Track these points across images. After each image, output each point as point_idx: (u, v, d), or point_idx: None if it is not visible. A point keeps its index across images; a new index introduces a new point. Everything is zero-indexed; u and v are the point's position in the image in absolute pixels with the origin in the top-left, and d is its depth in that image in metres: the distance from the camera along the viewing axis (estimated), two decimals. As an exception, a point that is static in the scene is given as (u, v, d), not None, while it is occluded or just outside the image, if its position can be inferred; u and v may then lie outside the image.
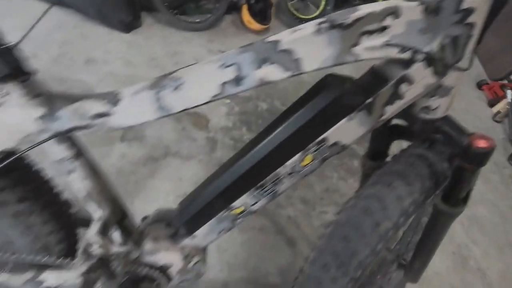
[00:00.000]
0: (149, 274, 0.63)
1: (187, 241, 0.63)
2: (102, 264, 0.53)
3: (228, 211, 0.57)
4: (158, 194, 1.16)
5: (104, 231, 0.54)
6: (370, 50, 0.38)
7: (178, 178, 1.22)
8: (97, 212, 0.55)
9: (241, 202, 0.56)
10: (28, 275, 0.58)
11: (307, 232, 1.21)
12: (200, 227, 0.61)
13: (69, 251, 0.64)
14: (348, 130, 0.45)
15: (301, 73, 0.38)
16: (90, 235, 0.52)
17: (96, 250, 0.51)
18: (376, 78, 0.43)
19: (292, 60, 0.37)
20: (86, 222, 0.69)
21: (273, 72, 0.38)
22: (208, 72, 0.39)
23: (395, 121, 0.61)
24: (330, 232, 0.57)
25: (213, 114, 1.52)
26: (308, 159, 0.49)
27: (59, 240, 0.60)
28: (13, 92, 0.38)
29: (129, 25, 1.82)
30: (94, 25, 1.77)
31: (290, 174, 0.51)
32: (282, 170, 0.50)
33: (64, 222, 0.60)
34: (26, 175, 0.52)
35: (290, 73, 0.38)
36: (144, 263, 0.63)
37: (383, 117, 0.44)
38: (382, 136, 0.62)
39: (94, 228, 0.53)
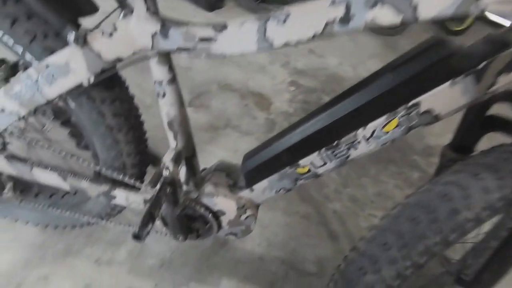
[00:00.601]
0: (203, 215, 0.66)
1: (245, 193, 0.65)
2: (168, 192, 0.56)
3: (293, 169, 0.57)
4: (213, 159, 1.20)
5: (176, 160, 0.58)
6: (500, 3, 0.34)
7: (234, 149, 1.25)
8: (174, 141, 0.58)
9: (308, 161, 0.55)
10: (104, 188, 0.64)
11: (352, 231, 1.16)
12: (260, 180, 0.62)
13: (140, 177, 0.69)
14: (447, 97, 0.42)
15: (415, 21, 0.37)
16: (165, 160, 0.56)
17: (167, 175, 0.55)
18: (492, 43, 0.40)
19: (408, 4, 0.36)
20: (155, 159, 0.74)
21: (385, 15, 0.37)
22: (317, 8, 0.39)
23: (493, 111, 0.56)
24: (397, 212, 0.54)
25: (277, 98, 1.54)
26: (392, 124, 0.47)
27: (135, 163, 0.65)
28: (139, 4, 0.43)
29: (213, 5, 1.91)
30: (182, 1, 1.90)
31: (368, 138, 0.49)
32: (361, 132, 0.49)
33: (142, 149, 0.66)
34: (123, 93, 0.58)
35: (402, 17, 0.36)
36: (201, 204, 0.66)
37: (493, 88, 0.40)
38: (473, 126, 0.57)
39: (170, 154, 0.57)
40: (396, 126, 0.47)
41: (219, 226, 0.70)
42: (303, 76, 1.71)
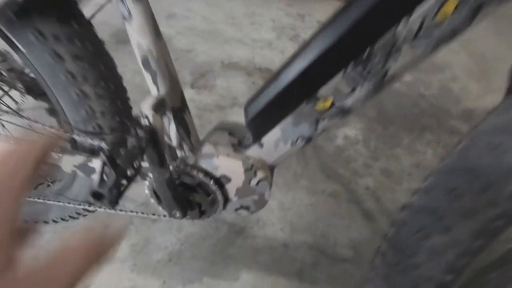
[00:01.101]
0: (203, 183, 0.53)
1: (253, 151, 0.51)
2: (147, 147, 0.43)
3: (310, 104, 0.43)
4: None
5: (157, 108, 0.44)
6: None
7: (244, 128, 1.12)
8: (153, 86, 0.45)
9: (331, 89, 0.41)
10: (78, 159, 0.52)
11: (389, 208, 0.99)
12: (270, 130, 0.47)
13: (124, 145, 0.57)
14: None
15: None
16: (143, 106, 0.43)
17: (146, 124, 0.42)
18: None
19: None
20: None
21: None
22: None
23: None
24: (463, 147, 0.38)
25: (287, 73, 1.39)
26: (449, 5, 0.32)
27: (114, 127, 0.53)
28: None
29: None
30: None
31: (414, 37, 0.34)
32: (402, 29, 0.34)
33: (122, 110, 0.54)
34: (86, 32, 0.46)
35: None
36: (200, 168, 0.52)
37: None
38: None
39: (148, 101, 0.44)
40: (455, 8, 0.32)
41: (226, 198, 0.56)
42: (315, 48, 1.55)
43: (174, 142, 0.54)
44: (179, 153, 0.56)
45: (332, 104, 0.42)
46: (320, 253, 0.86)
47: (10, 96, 0.72)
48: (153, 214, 0.61)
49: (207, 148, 0.52)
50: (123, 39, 1.41)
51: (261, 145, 0.50)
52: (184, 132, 0.53)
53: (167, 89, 0.47)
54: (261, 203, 0.56)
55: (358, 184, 1.04)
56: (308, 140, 0.47)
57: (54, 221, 0.74)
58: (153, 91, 0.47)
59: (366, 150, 1.14)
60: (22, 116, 0.58)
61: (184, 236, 0.87)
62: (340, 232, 0.91)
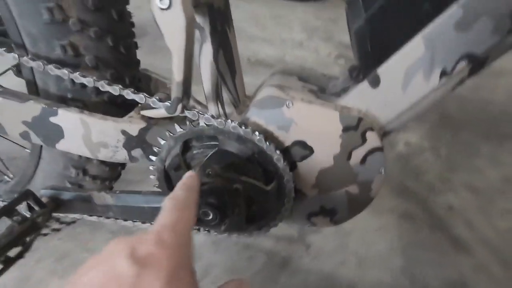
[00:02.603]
0: (261, 155, 0.27)
1: (356, 95, 0.27)
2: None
3: None
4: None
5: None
6: None
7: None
8: None
9: None
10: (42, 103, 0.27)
11: (488, 235, 0.70)
12: (402, 43, 0.24)
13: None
14: None
15: None
16: None
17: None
18: None
19: None
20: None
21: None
22: None
23: None
24: None
25: (325, 72, 1.18)
26: None
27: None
28: None
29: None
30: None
31: None
32: None
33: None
34: None
35: None
36: (255, 126, 0.27)
37: None
38: None
39: None
40: None
41: (297, 191, 0.30)
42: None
43: (207, 81, 0.30)
44: (213, 106, 0.31)
45: None
46: (407, 301, 0.57)
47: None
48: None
49: (267, 92, 0.28)
50: None
51: (376, 82, 0.25)
52: (227, 65, 0.29)
53: None
54: (363, 201, 0.31)
55: (437, 203, 0.77)
56: (477, 65, 0.23)
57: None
58: None
59: (437, 160, 0.88)
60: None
61: (203, 266, 0.59)
62: (429, 270, 0.62)
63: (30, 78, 0.35)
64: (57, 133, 0.33)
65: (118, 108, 0.37)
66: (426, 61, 0.25)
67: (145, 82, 0.44)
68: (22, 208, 0.28)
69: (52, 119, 0.32)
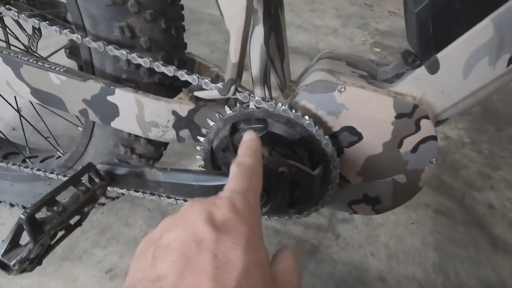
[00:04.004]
0: (310, 138, 0.27)
1: (412, 81, 0.26)
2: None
3: None
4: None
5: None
6: None
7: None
8: None
9: None
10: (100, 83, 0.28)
11: (531, 238, 0.67)
12: (468, 27, 0.22)
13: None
14: None
15: None
16: None
17: None
18: None
19: None
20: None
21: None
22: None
23: None
24: None
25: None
26: None
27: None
28: None
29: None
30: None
31: None
32: None
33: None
34: None
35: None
36: (304, 110, 0.27)
37: None
38: None
39: None
40: None
41: (342, 177, 0.30)
42: (389, 37, 1.31)
43: (256, 64, 0.30)
44: (260, 89, 0.32)
45: None
46: (440, 297, 0.56)
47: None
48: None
49: (318, 76, 0.27)
50: None
51: (434, 68, 0.24)
52: (277, 48, 0.29)
53: None
54: (409, 191, 0.30)
55: (477, 200, 0.74)
56: None
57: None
58: None
59: (478, 156, 0.84)
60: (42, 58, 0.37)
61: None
62: (463, 268, 0.61)
63: (88, 59, 0.37)
64: (113, 112, 0.35)
65: (167, 89, 0.38)
66: (494, 45, 0.24)
67: (189, 65, 0.45)
68: (84, 179, 0.30)
69: (110, 98, 0.34)
